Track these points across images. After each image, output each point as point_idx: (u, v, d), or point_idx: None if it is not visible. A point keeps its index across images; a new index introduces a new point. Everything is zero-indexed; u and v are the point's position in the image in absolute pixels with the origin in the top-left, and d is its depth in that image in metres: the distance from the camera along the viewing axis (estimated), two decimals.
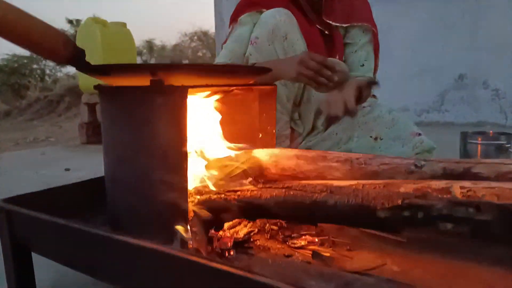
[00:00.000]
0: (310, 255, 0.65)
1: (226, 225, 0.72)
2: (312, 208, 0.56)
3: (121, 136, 0.72)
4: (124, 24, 3.26)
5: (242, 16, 1.58)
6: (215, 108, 0.84)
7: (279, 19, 1.44)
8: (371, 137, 1.52)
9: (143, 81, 0.64)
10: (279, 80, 1.44)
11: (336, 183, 0.66)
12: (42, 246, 0.70)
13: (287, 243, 0.71)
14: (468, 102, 3.73)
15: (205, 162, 0.80)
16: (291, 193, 0.59)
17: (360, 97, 1.38)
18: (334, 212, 0.54)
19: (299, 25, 1.49)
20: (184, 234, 0.63)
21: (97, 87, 0.73)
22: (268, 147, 0.89)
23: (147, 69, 0.66)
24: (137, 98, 0.67)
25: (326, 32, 1.61)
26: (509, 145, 1.33)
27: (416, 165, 0.67)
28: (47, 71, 13.72)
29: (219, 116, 0.85)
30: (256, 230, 0.76)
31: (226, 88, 0.77)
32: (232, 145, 0.86)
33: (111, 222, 0.76)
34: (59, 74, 13.25)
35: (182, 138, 0.63)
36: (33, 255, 0.75)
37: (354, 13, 1.62)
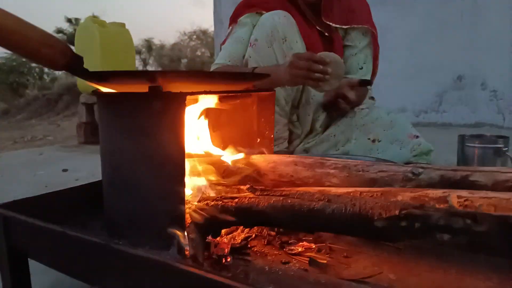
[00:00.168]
0: (307, 262, 0.65)
1: (223, 230, 0.72)
2: (309, 216, 0.56)
3: (119, 142, 0.72)
4: (123, 25, 3.26)
5: (242, 17, 1.58)
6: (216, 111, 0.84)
7: (278, 21, 1.44)
8: (369, 139, 1.53)
9: (142, 87, 0.64)
10: (277, 87, 1.45)
11: (334, 190, 0.66)
12: (38, 252, 0.70)
13: (285, 249, 0.71)
14: (466, 103, 3.74)
15: (203, 168, 0.80)
16: (289, 201, 0.59)
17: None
18: (331, 221, 0.54)
19: (298, 27, 1.49)
20: (181, 240, 0.63)
21: (95, 93, 0.73)
22: (266, 152, 0.89)
23: (146, 76, 0.66)
24: (135, 105, 0.67)
25: (326, 34, 1.61)
26: (506, 149, 1.33)
27: (413, 173, 0.67)
28: (46, 70, 13.71)
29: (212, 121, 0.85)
30: (254, 235, 0.77)
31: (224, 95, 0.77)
32: (230, 150, 0.87)
33: (108, 228, 0.76)
34: (57, 73, 13.24)
35: (180, 144, 0.63)
36: (30, 260, 0.75)
37: (353, 15, 1.62)
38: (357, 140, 1.54)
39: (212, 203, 0.67)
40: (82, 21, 3.33)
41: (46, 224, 0.65)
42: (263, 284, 0.58)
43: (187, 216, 0.66)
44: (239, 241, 0.74)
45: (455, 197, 0.54)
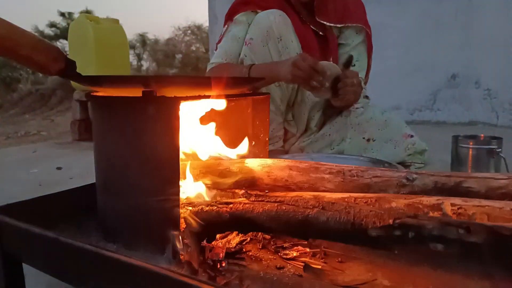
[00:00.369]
0: (302, 267, 0.66)
1: (218, 234, 0.72)
2: (304, 224, 0.56)
3: (113, 145, 0.72)
4: (116, 21, 3.23)
5: (237, 16, 1.57)
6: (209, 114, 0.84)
7: (273, 21, 1.44)
8: (363, 138, 1.53)
9: (135, 92, 0.63)
10: (275, 82, 1.45)
11: (328, 196, 0.67)
12: (32, 257, 0.70)
13: (279, 253, 0.71)
14: (460, 101, 3.76)
15: (197, 172, 0.80)
16: (283, 207, 0.59)
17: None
18: (325, 230, 0.54)
19: (293, 26, 1.48)
20: (176, 243, 0.63)
21: (88, 96, 0.73)
22: (260, 155, 0.89)
23: (140, 81, 0.65)
24: (129, 109, 0.67)
25: (321, 33, 1.61)
26: (499, 150, 1.34)
27: (407, 178, 0.67)
28: None
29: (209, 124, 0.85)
30: (248, 239, 0.77)
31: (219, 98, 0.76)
32: (224, 152, 0.86)
33: (102, 231, 0.76)
34: None
35: (174, 149, 0.63)
36: (24, 265, 0.74)
37: (347, 14, 1.62)
38: (351, 139, 1.55)
39: (207, 208, 0.67)
40: (75, 15, 3.29)
41: (40, 230, 0.64)
42: None
43: (182, 220, 0.66)
44: (234, 245, 0.74)
45: (449, 205, 0.54)
